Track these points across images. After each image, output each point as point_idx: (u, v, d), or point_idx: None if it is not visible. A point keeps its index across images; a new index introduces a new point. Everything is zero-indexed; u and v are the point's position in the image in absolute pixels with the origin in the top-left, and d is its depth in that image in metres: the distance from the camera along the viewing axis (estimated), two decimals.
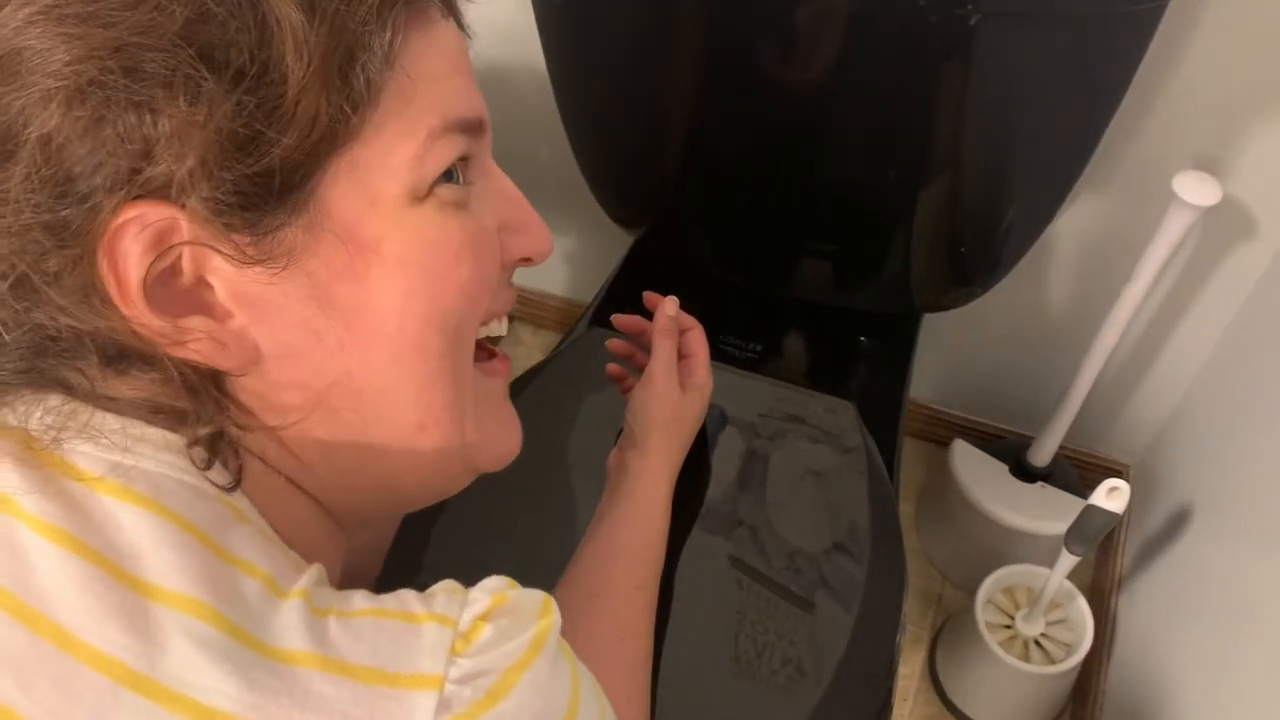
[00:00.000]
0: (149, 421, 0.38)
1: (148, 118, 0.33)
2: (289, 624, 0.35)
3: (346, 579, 0.47)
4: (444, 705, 0.34)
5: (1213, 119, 0.94)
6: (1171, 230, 0.95)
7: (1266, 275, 1.04)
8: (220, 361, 0.37)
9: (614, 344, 0.81)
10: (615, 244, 1.12)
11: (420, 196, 0.38)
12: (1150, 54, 0.90)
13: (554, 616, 0.39)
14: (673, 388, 0.72)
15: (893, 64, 0.79)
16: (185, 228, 0.34)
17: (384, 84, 0.37)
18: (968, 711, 1.21)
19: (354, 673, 0.34)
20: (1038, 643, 1.16)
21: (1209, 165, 0.96)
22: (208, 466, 0.38)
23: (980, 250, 0.93)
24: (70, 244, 0.34)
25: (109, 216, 0.33)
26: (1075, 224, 1.09)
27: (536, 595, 0.40)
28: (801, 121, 0.87)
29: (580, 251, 1.47)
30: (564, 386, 0.88)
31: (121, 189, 0.33)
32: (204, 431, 0.38)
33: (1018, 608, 1.18)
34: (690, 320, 0.77)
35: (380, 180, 0.37)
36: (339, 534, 0.47)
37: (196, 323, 0.36)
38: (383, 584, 0.39)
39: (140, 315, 0.35)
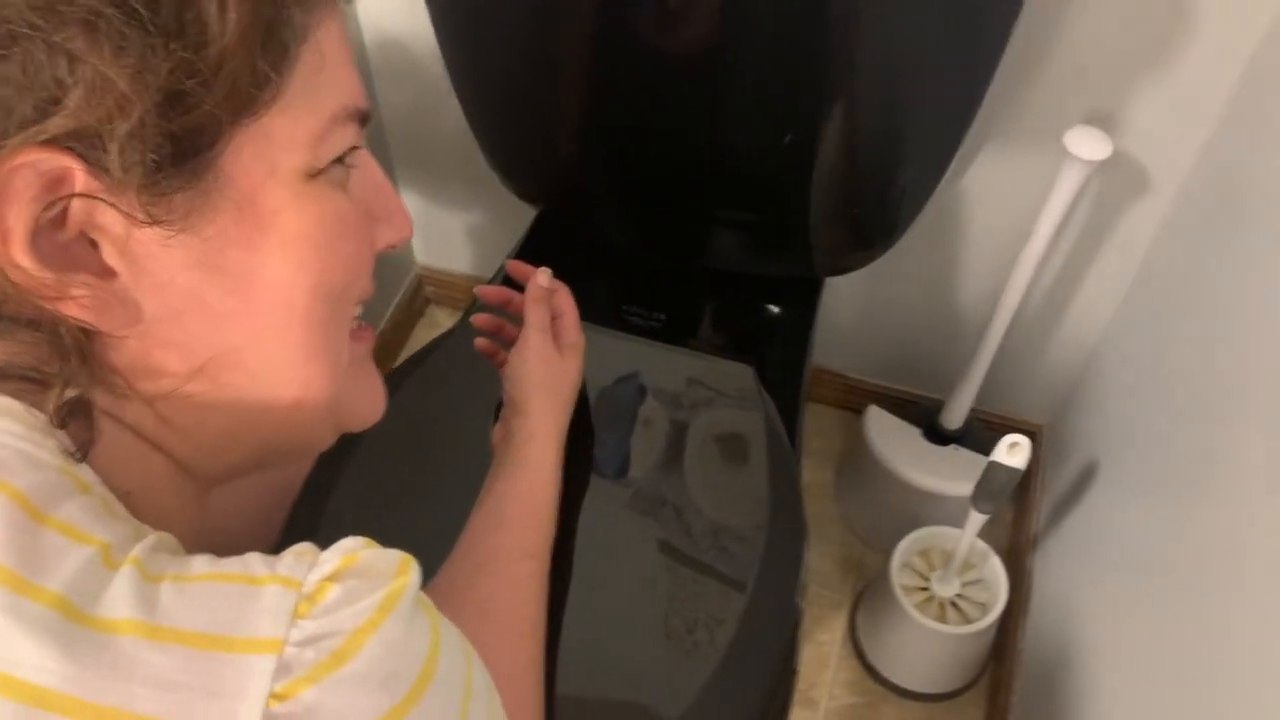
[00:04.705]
0: None
1: (63, 63, 0.32)
2: (117, 593, 0.33)
3: (223, 546, 0.46)
4: (284, 669, 0.33)
5: (1101, 75, 0.95)
6: (1065, 186, 0.95)
7: (1162, 231, 1.06)
8: (101, 321, 0.36)
9: (479, 319, 0.79)
10: (522, 218, 1.11)
11: (313, 174, 0.39)
12: (1038, 12, 0.91)
13: (411, 576, 0.38)
14: (549, 350, 0.71)
15: (776, 27, 0.79)
16: (80, 179, 0.33)
17: (297, 58, 0.37)
18: (888, 675, 1.22)
19: (185, 639, 0.32)
20: (954, 604, 1.16)
21: (1100, 122, 0.97)
22: (63, 425, 0.37)
23: (875, 210, 0.93)
24: None
25: (7, 157, 0.32)
26: (974, 185, 1.09)
27: (393, 555, 0.38)
28: (692, 90, 0.87)
29: (487, 228, 1.45)
30: (457, 362, 0.86)
31: (21, 133, 0.32)
32: (69, 395, 0.37)
33: (933, 570, 1.19)
34: (557, 283, 0.76)
35: (282, 153, 0.38)
36: (195, 494, 0.46)
37: (81, 278, 0.35)
38: None
39: (25, 264, 0.33)
